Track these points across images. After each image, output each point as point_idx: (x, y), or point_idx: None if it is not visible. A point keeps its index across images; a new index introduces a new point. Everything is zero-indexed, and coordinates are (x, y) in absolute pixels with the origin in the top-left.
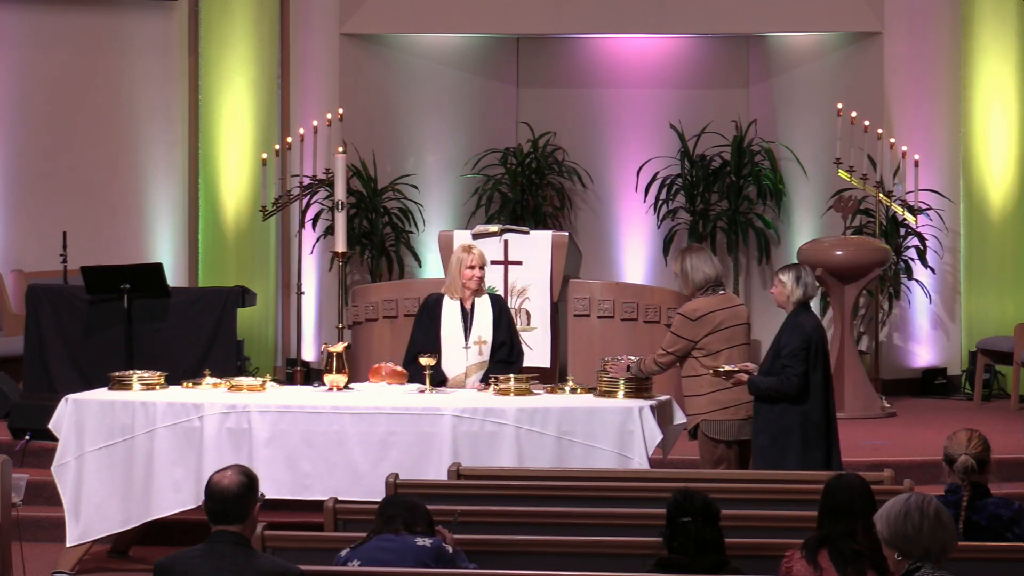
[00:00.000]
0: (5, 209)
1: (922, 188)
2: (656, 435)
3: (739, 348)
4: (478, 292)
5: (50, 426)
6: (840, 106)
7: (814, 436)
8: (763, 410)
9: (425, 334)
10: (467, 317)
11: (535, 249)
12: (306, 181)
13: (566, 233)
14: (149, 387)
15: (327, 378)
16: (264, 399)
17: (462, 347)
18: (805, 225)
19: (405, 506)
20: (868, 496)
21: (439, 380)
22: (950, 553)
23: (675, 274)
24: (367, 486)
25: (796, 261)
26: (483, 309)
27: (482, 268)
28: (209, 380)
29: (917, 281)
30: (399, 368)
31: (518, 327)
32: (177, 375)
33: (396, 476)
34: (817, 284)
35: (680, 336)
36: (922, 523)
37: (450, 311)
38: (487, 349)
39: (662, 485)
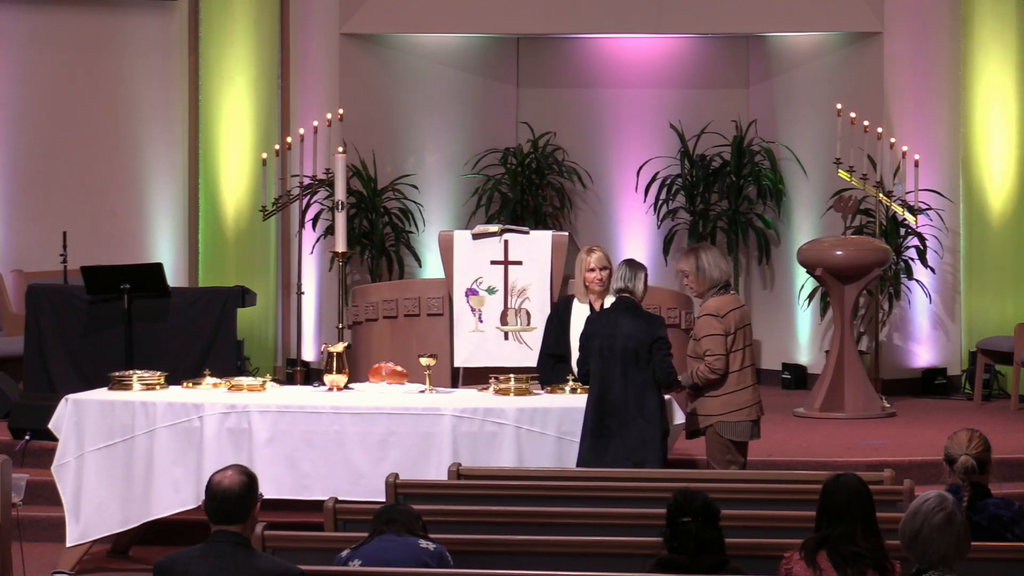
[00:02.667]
0: (5, 209)
1: (922, 188)
2: None
3: (749, 348)
4: (605, 293)
5: (50, 426)
6: (840, 106)
7: (588, 425)
8: None
9: (556, 338)
10: None
11: (535, 249)
12: (306, 181)
13: (566, 233)
14: (149, 387)
15: (327, 378)
16: (264, 399)
17: None
18: (805, 225)
19: (404, 511)
20: (867, 497)
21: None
22: (959, 559)
23: (682, 273)
24: (367, 486)
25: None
26: None
27: (603, 270)
28: (209, 380)
29: (917, 281)
30: (399, 368)
31: (517, 327)
32: (177, 375)
33: (396, 476)
34: (627, 279)
35: (719, 335)
36: (922, 526)
37: (579, 313)
38: None
39: (662, 485)
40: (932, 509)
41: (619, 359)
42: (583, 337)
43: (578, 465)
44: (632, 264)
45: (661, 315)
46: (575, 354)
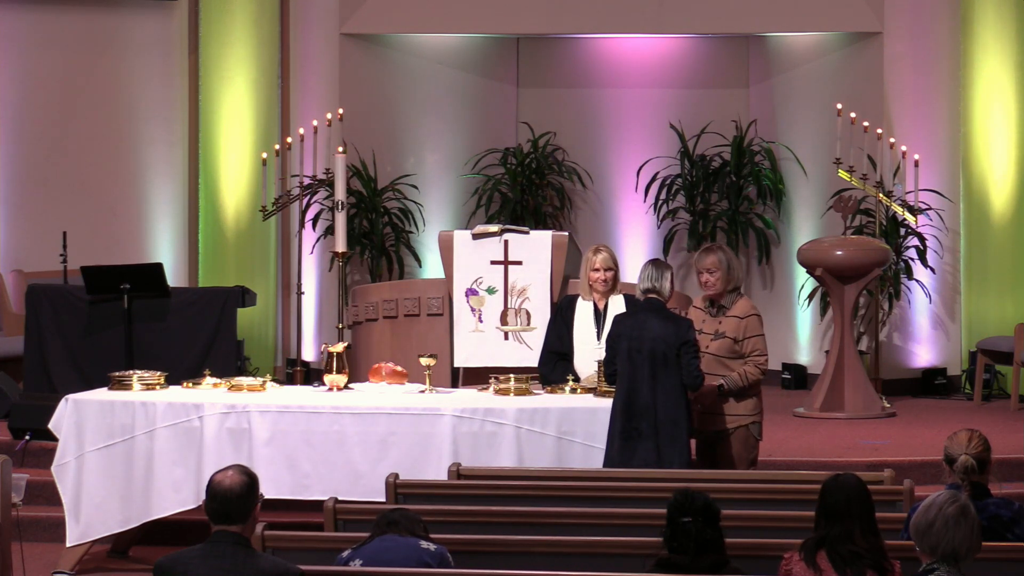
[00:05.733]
0: (5, 209)
1: (922, 188)
2: None
3: None
4: (610, 293)
5: (50, 426)
6: (840, 106)
7: (613, 427)
8: None
9: (558, 336)
10: (600, 317)
11: (535, 249)
12: (306, 181)
13: (566, 233)
14: (149, 387)
15: (327, 378)
16: (264, 399)
17: (595, 347)
18: (805, 225)
19: (406, 513)
20: (865, 496)
21: (575, 379)
22: (969, 555)
23: (708, 270)
24: (367, 486)
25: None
26: (616, 309)
27: (608, 270)
28: (209, 380)
29: (917, 281)
30: (399, 368)
31: (517, 327)
32: (177, 375)
33: (396, 476)
34: (654, 279)
35: (763, 335)
36: (936, 517)
37: (583, 311)
38: None
39: (662, 485)
40: (946, 501)
41: (647, 361)
42: (610, 338)
43: (605, 467)
44: (658, 264)
45: (752, 317)
46: (577, 352)
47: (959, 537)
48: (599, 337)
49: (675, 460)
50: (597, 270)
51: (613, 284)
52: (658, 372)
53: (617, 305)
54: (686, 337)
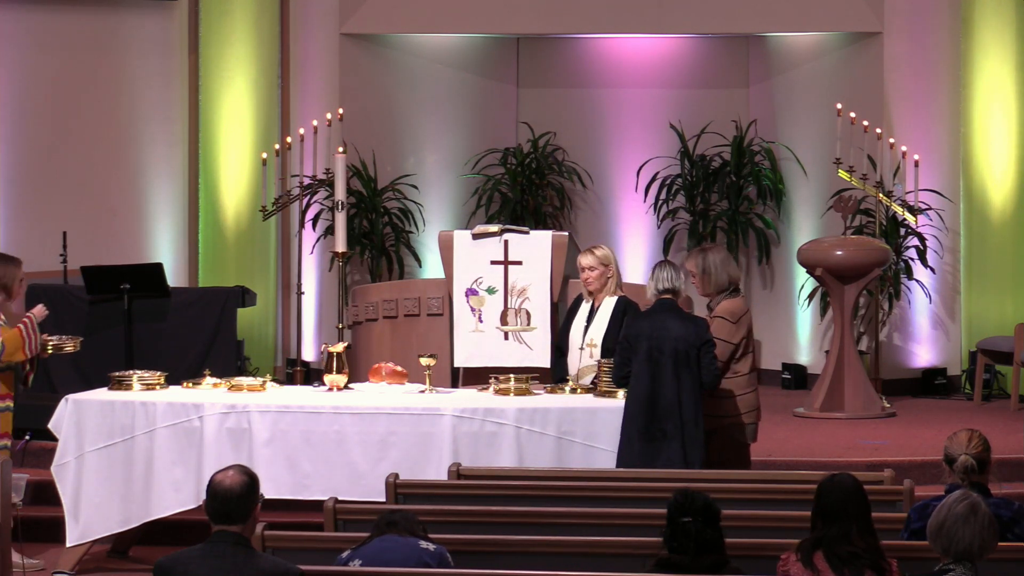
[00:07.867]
0: (5, 209)
1: (922, 188)
2: None
3: (753, 351)
4: (601, 291)
5: (50, 426)
6: (840, 106)
7: (629, 427)
8: None
9: (560, 331)
10: (589, 317)
11: (535, 249)
12: (306, 181)
13: (566, 233)
14: (149, 387)
15: (327, 378)
16: (264, 399)
17: (578, 346)
18: (805, 225)
19: (406, 515)
20: (861, 496)
21: (561, 377)
22: (984, 552)
23: (689, 272)
24: (367, 486)
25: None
26: (604, 311)
27: (592, 270)
28: (209, 380)
29: (917, 281)
30: (399, 368)
31: (517, 327)
32: (177, 375)
33: (396, 476)
34: (674, 279)
35: (727, 341)
36: (946, 517)
37: (583, 311)
38: (598, 352)
39: (662, 485)
40: (956, 499)
41: (670, 361)
42: (625, 339)
43: (621, 466)
44: (674, 265)
45: (716, 319)
46: (572, 350)
47: (969, 534)
48: (583, 336)
49: (696, 460)
50: (583, 269)
51: (604, 283)
52: (681, 372)
53: (606, 308)
54: (706, 337)
